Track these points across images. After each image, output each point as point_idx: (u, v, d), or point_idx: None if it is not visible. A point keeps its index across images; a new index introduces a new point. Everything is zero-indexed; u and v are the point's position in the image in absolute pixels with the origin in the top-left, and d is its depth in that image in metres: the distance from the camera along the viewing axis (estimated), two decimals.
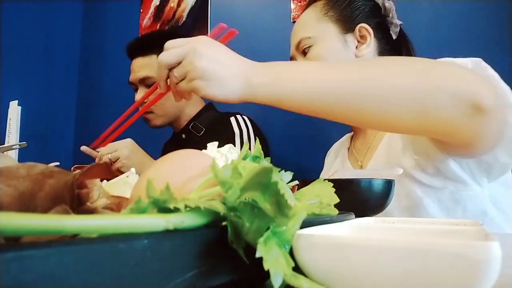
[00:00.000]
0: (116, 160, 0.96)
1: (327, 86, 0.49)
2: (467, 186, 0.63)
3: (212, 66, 0.50)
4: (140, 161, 0.98)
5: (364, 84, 0.48)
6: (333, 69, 0.51)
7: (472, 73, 0.49)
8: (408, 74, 0.48)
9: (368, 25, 0.80)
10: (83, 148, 1.04)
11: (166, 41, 0.58)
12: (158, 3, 1.89)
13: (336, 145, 1.01)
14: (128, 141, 1.01)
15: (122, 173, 1.02)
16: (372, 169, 0.74)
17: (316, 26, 0.81)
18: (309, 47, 0.80)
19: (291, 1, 1.37)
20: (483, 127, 0.48)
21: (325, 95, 0.49)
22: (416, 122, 0.49)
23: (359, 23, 0.80)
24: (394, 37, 0.83)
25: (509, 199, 0.67)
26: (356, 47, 0.80)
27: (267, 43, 1.44)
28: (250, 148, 1.10)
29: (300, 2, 1.35)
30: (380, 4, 0.83)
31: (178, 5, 1.79)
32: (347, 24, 0.80)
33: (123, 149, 0.97)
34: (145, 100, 0.84)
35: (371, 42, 0.80)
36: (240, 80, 0.51)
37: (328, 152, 1.03)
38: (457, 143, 0.54)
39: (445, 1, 1.07)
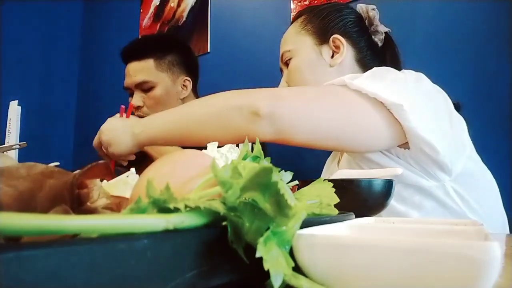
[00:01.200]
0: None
1: (172, 121, 0.70)
2: (421, 181, 0.67)
3: (109, 136, 0.75)
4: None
5: (186, 117, 0.69)
6: (173, 112, 0.71)
7: (252, 90, 0.66)
8: (207, 105, 0.67)
9: (347, 35, 0.83)
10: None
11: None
12: (158, 3, 1.89)
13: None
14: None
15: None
16: (372, 169, 0.75)
17: (295, 39, 0.86)
18: (290, 59, 0.85)
19: (291, 1, 1.37)
20: (268, 127, 0.61)
21: (172, 129, 0.69)
22: (225, 136, 0.63)
23: (333, 34, 0.83)
24: (379, 44, 0.85)
25: (472, 188, 0.68)
26: (332, 57, 0.83)
27: (267, 43, 1.44)
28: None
29: (300, 2, 1.35)
30: (363, 14, 0.85)
31: (178, 5, 1.79)
32: (322, 36, 0.84)
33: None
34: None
35: (344, 52, 0.82)
36: (128, 135, 0.72)
37: (331, 155, 1.04)
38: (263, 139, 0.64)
39: (445, 1, 1.07)
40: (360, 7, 0.86)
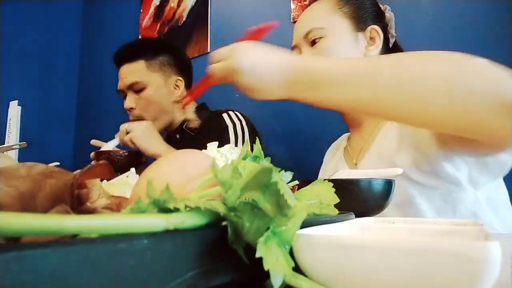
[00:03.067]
0: (131, 131, 1.04)
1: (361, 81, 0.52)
2: (459, 187, 0.64)
3: (252, 82, 0.57)
4: (151, 138, 1.04)
5: (397, 71, 0.50)
6: (359, 65, 0.54)
7: (503, 70, 0.47)
8: (442, 63, 0.49)
9: (381, 29, 0.81)
10: (93, 141, 1.12)
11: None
12: (158, 3, 1.89)
13: (333, 145, 1.01)
14: (147, 122, 1.10)
15: (133, 145, 1.07)
16: (372, 169, 0.74)
17: (329, 19, 0.80)
18: (320, 38, 0.79)
19: (291, 1, 1.37)
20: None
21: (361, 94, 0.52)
22: (455, 122, 0.49)
23: (369, 25, 0.81)
24: (390, 46, 0.84)
25: (502, 199, 0.67)
26: (365, 47, 0.80)
27: (267, 43, 1.44)
28: (243, 140, 1.12)
29: (300, 2, 1.35)
30: (385, 12, 0.84)
31: (178, 5, 1.79)
32: (360, 24, 0.80)
33: (139, 124, 1.05)
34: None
35: (379, 45, 0.80)
36: (279, 91, 0.57)
37: (326, 152, 1.03)
38: (485, 141, 0.52)
39: (446, 1, 1.07)
40: (381, 6, 0.85)
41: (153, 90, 1.17)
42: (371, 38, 0.81)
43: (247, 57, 0.57)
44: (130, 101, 1.17)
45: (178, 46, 1.34)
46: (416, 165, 0.65)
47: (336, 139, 1.02)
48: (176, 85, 1.22)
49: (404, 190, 0.66)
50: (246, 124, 1.13)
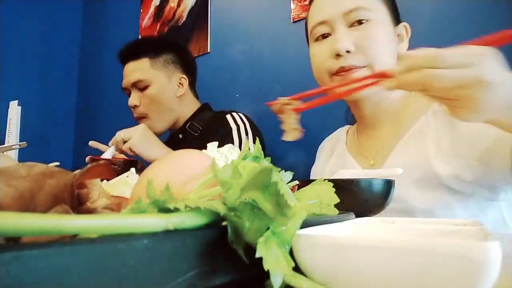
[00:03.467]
0: (128, 140, 1.02)
1: None
2: (496, 194, 0.64)
3: (486, 105, 0.44)
4: (150, 144, 1.02)
5: None
6: None
7: None
8: None
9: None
10: (91, 143, 1.11)
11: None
12: (158, 3, 1.89)
13: (330, 140, 0.96)
14: (142, 126, 1.07)
15: (133, 153, 1.05)
16: (372, 169, 0.74)
17: (374, 3, 0.72)
18: (367, 21, 0.70)
19: (291, 1, 1.37)
20: None
21: None
22: None
23: (401, 21, 0.76)
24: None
25: None
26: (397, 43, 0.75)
27: (267, 43, 1.44)
28: (247, 140, 1.10)
29: (300, 2, 1.35)
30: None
31: (178, 5, 1.79)
32: (396, 16, 0.76)
33: (136, 130, 1.03)
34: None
35: (407, 44, 0.76)
36: (496, 113, 0.47)
37: (320, 147, 0.99)
38: None
39: (447, 1, 1.07)
40: None
41: (157, 88, 1.17)
42: (400, 36, 0.76)
43: (497, 69, 0.44)
44: (134, 99, 1.18)
45: (182, 44, 1.35)
46: (458, 173, 0.63)
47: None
48: (180, 83, 1.23)
49: (440, 196, 0.65)
50: (250, 127, 1.13)
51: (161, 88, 1.18)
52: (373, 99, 0.76)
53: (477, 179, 0.62)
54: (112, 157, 1.07)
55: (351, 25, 0.71)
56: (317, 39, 0.76)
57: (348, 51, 0.70)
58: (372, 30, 0.70)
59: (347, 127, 0.94)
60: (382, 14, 0.72)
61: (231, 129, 1.10)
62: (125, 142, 1.02)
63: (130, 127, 1.06)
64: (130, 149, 1.01)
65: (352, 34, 0.70)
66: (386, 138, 0.77)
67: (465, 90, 0.43)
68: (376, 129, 0.80)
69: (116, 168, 1.03)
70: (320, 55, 0.75)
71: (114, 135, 1.08)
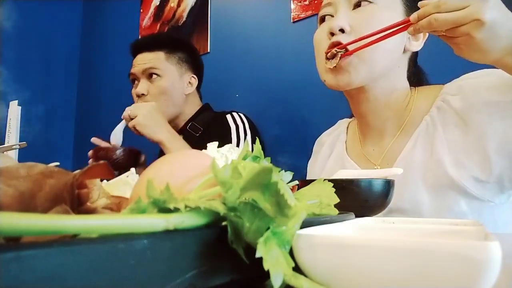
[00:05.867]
0: (134, 117, 1.00)
1: None
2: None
3: (487, 44, 0.50)
4: (155, 124, 1.01)
5: None
6: None
7: None
8: None
9: None
10: (94, 139, 1.12)
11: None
12: (158, 3, 1.89)
13: (329, 136, 0.90)
14: (151, 104, 1.05)
15: (137, 132, 1.00)
16: (372, 170, 0.73)
17: None
18: (369, 3, 0.68)
19: (291, 1, 1.37)
20: None
21: None
22: None
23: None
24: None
25: None
26: (408, 38, 0.70)
27: (267, 43, 1.44)
28: (245, 140, 1.10)
29: (300, 2, 1.35)
30: None
31: (178, 5, 1.79)
32: (412, 6, 0.69)
33: (143, 108, 1.01)
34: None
35: (422, 42, 0.72)
36: (500, 53, 0.51)
37: (318, 141, 0.94)
38: None
39: None
40: None
41: (168, 81, 1.19)
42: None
43: (497, 9, 0.49)
44: (143, 88, 1.17)
45: (195, 47, 1.37)
46: (477, 175, 0.61)
47: None
48: (190, 82, 1.25)
49: (455, 206, 0.62)
50: (249, 127, 1.14)
51: (172, 82, 1.19)
52: (376, 92, 0.71)
53: (499, 175, 0.60)
54: (113, 145, 1.06)
55: (354, 7, 0.69)
56: (320, 21, 0.75)
57: (342, 30, 0.67)
58: (373, 14, 0.67)
59: (346, 121, 0.89)
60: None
61: (230, 128, 1.10)
62: (131, 119, 1.01)
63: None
64: (134, 128, 1.00)
65: (352, 15, 0.69)
66: (391, 140, 0.74)
67: (463, 28, 0.50)
68: (379, 130, 0.76)
69: (120, 157, 1.03)
70: (318, 37, 0.73)
71: (121, 116, 1.07)
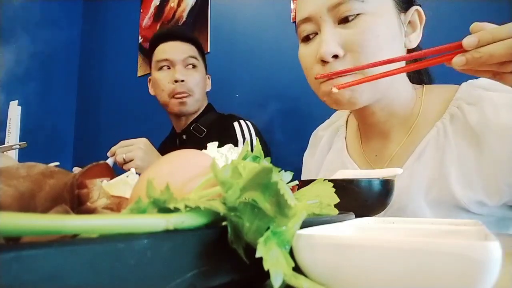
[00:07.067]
0: (130, 161, 0.93)
1: None
2: None
3: None
4: (152, 161, 0.95)
5: None
6: None
7: None
8: None
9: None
10: (75, 170, 1.04)
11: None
12: (158, 3, 1.89)
13: (326, 130, 0.85)
14: (143, 141, 0.96)
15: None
16: (372, 170, 0.73)
17: None
18: (357, 15, 0.58)
19: (291, 1, 1.37)
20: None
21: None
22: None
23: (413, 5, 0.64)
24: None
25: None
26: (405, 34, 0.63)
27: (267, 43, 1.44)
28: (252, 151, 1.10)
29: None
30: None
31: (178, 5, 1.79)
32: (407, 1, 0.63)
33: (138, 150, 0.94)
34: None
35: (420, 33, 0.64)
36: None
37: (314, 134, 0.89)
38: None
39: (446, 1, 1.07)
40: None
41: (201, 74, 1.22)
42: (412, 23, 0.64)
43: None
44: (182, 74, 1.17)
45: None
46: (483, 200, 0.58)
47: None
48: (208, 82, 1.29)
49: (457, 217, 0.60)
50: (257, 138, 1.13)
51: (202, 76, 1.23)
52: (383, 103, 0.66)
53: (506, 202, 0.57)
54: None
55: (340, 22, 0.59)
56: (303, 40, 0.65)
57: (335, 56, 0.59)
58: (366, 26, 0.58)
59: (344, 113, 0.84)
60: (383, 2, 0.60)
61: (237, 141, 1.10)
62: (125, 162, 0.94)
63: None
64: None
65: (341, 33, 0.59)
66: (396, 147, 0.68)
67: None
68: (383, 136, 0.71)
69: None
70: (306, 60, 0.64)
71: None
